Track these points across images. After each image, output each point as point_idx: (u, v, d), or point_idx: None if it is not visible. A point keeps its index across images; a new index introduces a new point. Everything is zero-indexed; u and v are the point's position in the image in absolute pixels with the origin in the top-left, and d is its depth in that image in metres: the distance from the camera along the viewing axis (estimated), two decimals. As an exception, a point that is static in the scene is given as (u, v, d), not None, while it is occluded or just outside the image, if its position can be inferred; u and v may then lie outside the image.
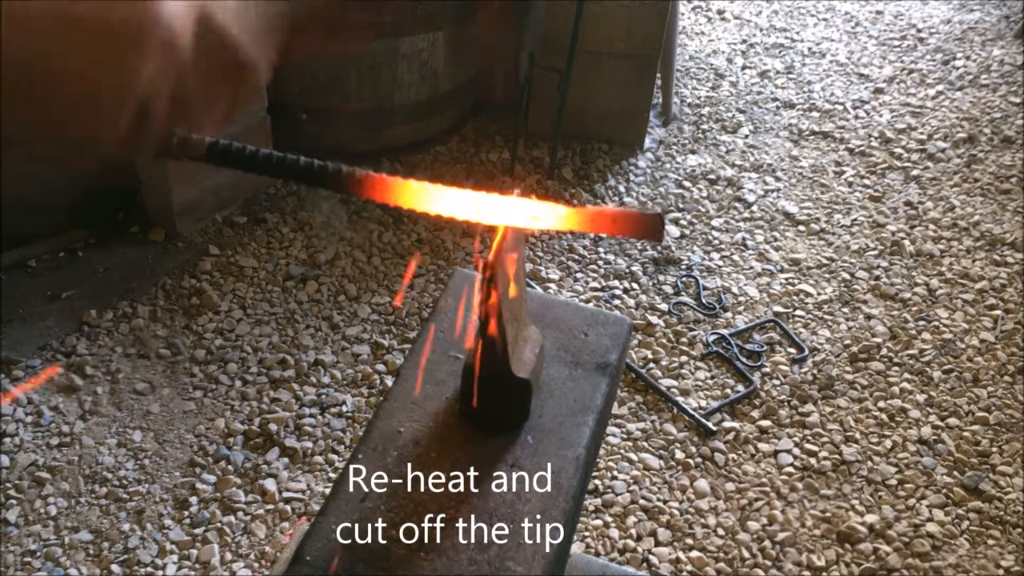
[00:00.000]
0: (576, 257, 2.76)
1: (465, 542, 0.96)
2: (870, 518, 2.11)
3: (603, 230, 0.95)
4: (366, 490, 1.01)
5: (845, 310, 2.67)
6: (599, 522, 2.07)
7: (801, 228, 2.97)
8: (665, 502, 2.12)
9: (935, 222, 3.02)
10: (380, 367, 2.37)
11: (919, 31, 4.14)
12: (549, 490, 1.02)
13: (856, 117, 3.53)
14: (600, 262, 2.75)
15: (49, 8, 0.67)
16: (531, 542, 0.97)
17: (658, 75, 3.21)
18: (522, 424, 1.09)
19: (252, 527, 2.01)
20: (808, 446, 2.27)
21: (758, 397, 2.39)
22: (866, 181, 3.20)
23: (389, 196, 0.93)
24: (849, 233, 2.96)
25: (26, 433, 2.15)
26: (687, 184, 3.10)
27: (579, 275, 2.71)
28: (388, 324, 2.49)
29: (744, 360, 2.47)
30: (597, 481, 2.15)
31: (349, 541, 0.96)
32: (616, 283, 2.68)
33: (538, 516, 0.99)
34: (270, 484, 2.09)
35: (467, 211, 0.93)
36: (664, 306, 2.62)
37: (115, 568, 1.92)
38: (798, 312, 2.65)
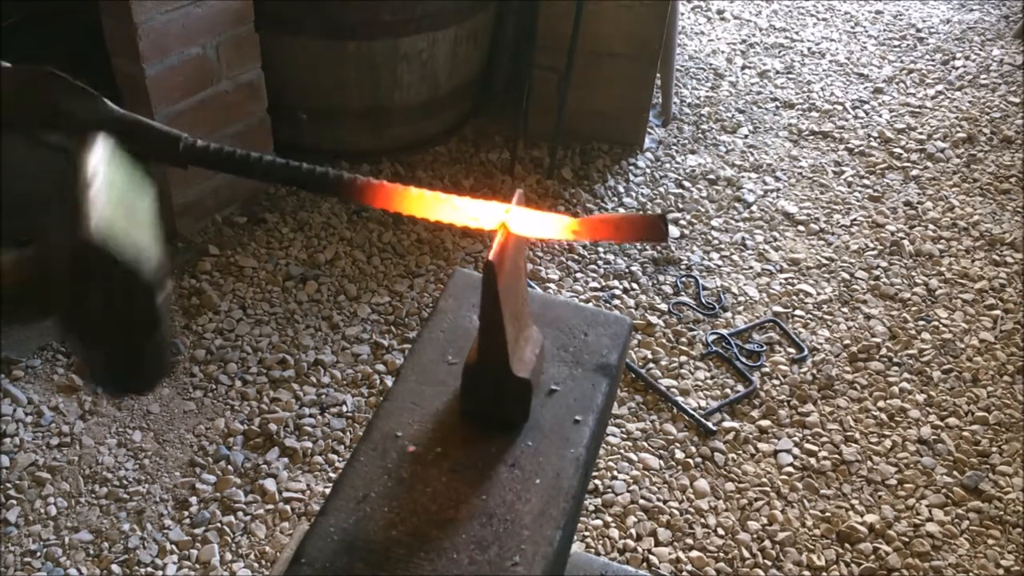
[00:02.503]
0: (576, 257, 2.77)
1: (465, 542, 0.96)
2: (870, 518, 2.11)
3: (609, 237, 0.96)
4: (366, 490, 1.01)
5: (845, 310, 2.67)
6: (599, 522, 2.07)
7: (801, 228, 2.97)
8: (665, 502, 2.13)
9: (934, 222, 3.02)
10: (380, 367, 2.38)
11: (918, 31, 4.14)
12: (549, 490, 1.02)
13: (855, 117, 3.53)
14: (600, 262, 2.75)
15: None
16: (531, 542, 0.97)
17: (658, 75, 3.21)
18: (522, 424, 1.09)
19: (252, 527, 2.01)
20: (808, 446, 2.27)
21: (758, 397, 2.39)
22: (865, 181, 3.20)
23: (393, 204, 0.93)
24: (848, 233, 2.96)
25: (26, 433, 2.15)
26: (687, 184, 3.10)
27: (579, 275, 2.71)
28: (388, 324, 2.50)
29: (744, 360, 2.48)
30: (597, 481, 2.15)
31: (349, 541, 0.96)
32: (616, 283, 2.69)
33: (538, 516, 0.99)
34: (270, 484, 2.09)
35: (468, 221, 0.94)
36: (664, 306, 2.62)
37: (115, 568, 1.92)
38: (798, 312, 2.65)
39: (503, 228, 0.94)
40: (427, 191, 0.92)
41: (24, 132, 0.88)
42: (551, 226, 0.93)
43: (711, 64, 3.81)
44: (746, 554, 2.03)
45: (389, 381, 2.33)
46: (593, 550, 2.02)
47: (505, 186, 3.00)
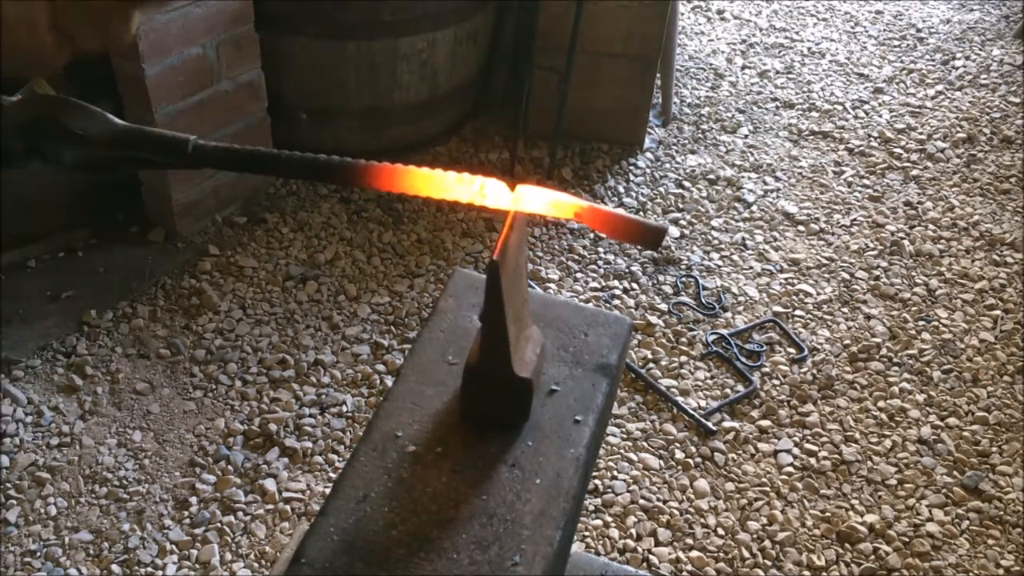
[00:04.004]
0: (576, 257, 2.77)
1: (465, 542, 0.96)
2: (870, 518, 2.11)
3: (604, 231, 0.98)
4: (366, 490, 1.01)
5: (845, 310, 2.67)
6: (599, 522, 2.07)
7: (801, 228, 2.97)
8: (665, 502, 2.13)
9: (934, 222, 3.02)
10: (380, 367, 2.37)
11: (919, 31, 4.14)
12: (549, 490, 1.02)
13: (856, 117, 3.53)
14: (600, 262, 2.75)
15: None
16: (531, 542, 0.97)
17: (658, 75, 3.21)
18: (522, 424, 1.09)
19: (252, 527, 2.01)
20: (808, 446, 2.27)
21: (758, 397, 2.39)
22: (865, 181, 3.20)
23: (402, 185, 0.95)
24: (848, 233, 2.96)
25: (26, 433, 2.15)
26: (687, 184, 3.10)
27: (579, 275, 2.71)
28: (388, 324, 2.50)
29: (744, 360, 2.47)
30: (597, 481, 2.15)
31: (349, 541, 0.96)
32: (616, 283, 2.68)
33: (538, 516, 0.99)
34: (270, 484, 2.09)
35: (478, 197, 0.97)
36: (664, 306, 2.62)
37: (115, 568, 1.92)
38: (798, 312, 2.65)
39: (515, 202, 0.98)
40: (437, 170, 0.95)
41: (43, 154, 0.93)
42: (557, 204, 0.97)
43: (711, 64, 3.81)
44: (746, 554, 2.03)
45: (389, 381, 2.33)
46: (593, 550, 2.02)
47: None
